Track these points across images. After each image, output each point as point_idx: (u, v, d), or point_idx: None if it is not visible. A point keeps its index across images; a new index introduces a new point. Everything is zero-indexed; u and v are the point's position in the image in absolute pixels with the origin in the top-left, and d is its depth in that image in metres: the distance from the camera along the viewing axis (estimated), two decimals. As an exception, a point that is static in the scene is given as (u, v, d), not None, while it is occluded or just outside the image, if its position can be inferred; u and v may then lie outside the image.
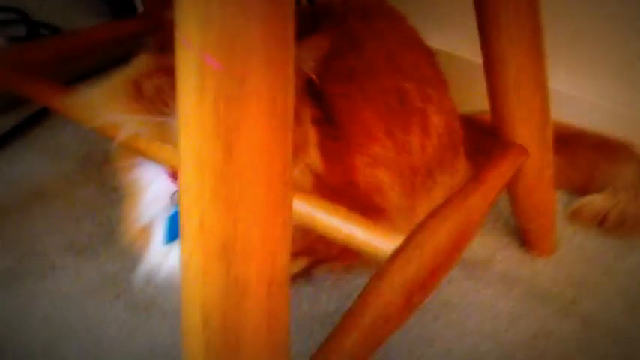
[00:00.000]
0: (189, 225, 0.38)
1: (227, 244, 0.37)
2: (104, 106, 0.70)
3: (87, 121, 0.73)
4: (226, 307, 0.38)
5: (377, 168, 0.80)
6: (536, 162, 0.80)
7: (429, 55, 0.87)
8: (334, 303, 0.81)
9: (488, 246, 0.91)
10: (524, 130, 0.77)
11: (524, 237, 0.90)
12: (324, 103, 0.79)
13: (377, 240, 0.63)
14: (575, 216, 0.95)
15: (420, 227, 0.65)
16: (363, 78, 0.81)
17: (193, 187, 0.37)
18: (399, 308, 0.58)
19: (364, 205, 0.79)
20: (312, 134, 0.74)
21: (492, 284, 0.85)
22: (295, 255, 0.79)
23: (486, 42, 0.72)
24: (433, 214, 0.67)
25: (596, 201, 0.94)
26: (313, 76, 0.73)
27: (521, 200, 0.85)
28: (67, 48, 0.87)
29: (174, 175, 0.74)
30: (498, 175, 0.73)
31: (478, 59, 0.84)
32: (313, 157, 0.73)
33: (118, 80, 0.70)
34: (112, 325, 0.75)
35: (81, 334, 0.74)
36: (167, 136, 0.67)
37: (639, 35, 0.96)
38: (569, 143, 1.00)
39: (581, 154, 1.00)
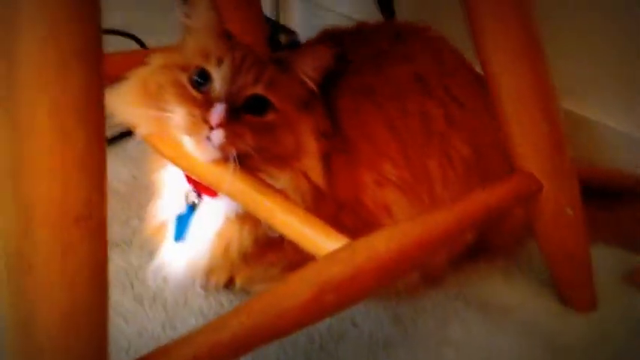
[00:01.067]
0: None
1: (16, 166, 0.40)
2: (121, 103, 0.77)
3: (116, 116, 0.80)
4: (17, 231, 0.41)
5: (386, 187, 0.79)
6: (551, 196, 0.73)
7: (472, 80, 0.84)
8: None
9: (520, 292, 0.84)
10: (531, 157, 0.72)
11: (556, 287, 0.82)
12: (335, 117, 0.79)
13: (321, 240, 0.63)
14: (630, 277, 0.84)
15: (370, 235, 0.63)
16: (382, 97, 0.81)
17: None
18: (303, 302, 0.56)
19: (369, 223, 0.78)
20: (312, 144, 0.74)
21: (509, 331, 0.78)
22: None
23: (482, 61, 0.69)
24: (390, 225, 0.65)
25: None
26: (313, 85, 0.75)
27: (543, 241, 0.78)
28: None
29: (189, 176, 0.79)
30: (482, 199, 0.69)
31: None
32: (311, 167, 0.74)
33: (133, 79, 0.77)
34: (117, 312, 0.80)
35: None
36: (165, 129, 0.71)
37: None
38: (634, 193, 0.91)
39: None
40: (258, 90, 0.70)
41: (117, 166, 1.06)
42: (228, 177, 0.67)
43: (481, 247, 0.88)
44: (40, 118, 0.40)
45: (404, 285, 0.81)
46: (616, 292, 0.83)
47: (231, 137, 0.66)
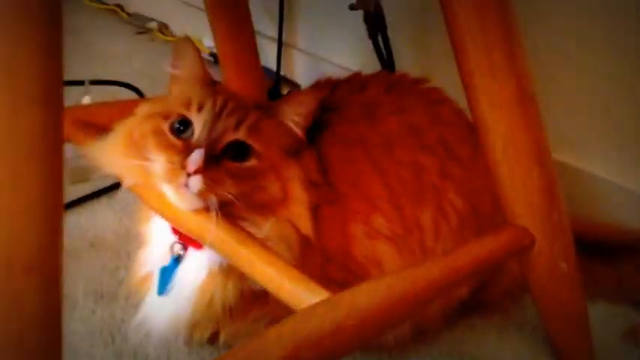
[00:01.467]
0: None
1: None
2: (106, 154, 0.76)
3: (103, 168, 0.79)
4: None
5: (377, 240, 0.77)
6: (544, 249, 0.71)
7: (468, 132, 0.83)
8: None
9: (514, 350, 0.82)
10: (523, 211, 0.70)
11: (552, 344, 0.78)
12: (324, 167, 0.78)
13: (301, 293, 0.61)
14: (630, 333, 0.81)
15: (352, 289, 0.60)
16: (374, 147, 0.79)
17: None
18: (277, 359, 0.53)
19: (358, 276, 0.76)
20: (299, 192, 0.72)
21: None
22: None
23: (474, 116, 0.68)
24: (374, 279, 0.63)
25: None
26: (299, 132, 0.73)
27: (537, 296, 0.76)
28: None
29: (175, 228, 0.77)
30: (472, 253, 0.66)
31: (562, 157, 0.78)
32: (298, 215, 0.72)
33: (119, 129, 0.76)
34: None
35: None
36: (148, 178, 0.70)
37: None
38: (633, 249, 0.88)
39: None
40: (239, 136, 0.68)
41: (108, 216, 1.05)
42: (211, 227, 0.65)
43: (477, 302, 0.85)
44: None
45: (395, 340, 0.78)
46: (616, 351, 0.80)
47: (209, 184, 0.64)
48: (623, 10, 0.91)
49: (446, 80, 0.81)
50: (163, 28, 1.87)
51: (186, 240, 0.75)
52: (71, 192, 1.09)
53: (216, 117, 0.68)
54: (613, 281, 0.88)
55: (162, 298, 0.77)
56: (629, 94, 0.93)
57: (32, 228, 0.39)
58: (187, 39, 0.77)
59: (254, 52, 1.10)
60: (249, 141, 0.68)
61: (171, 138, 0.68)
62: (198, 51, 0.76)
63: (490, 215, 0.80)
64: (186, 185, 0.64)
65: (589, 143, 1.00)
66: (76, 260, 0.95)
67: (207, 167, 0.64)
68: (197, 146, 0.65)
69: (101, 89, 1.37)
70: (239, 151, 0.68)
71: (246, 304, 0.75)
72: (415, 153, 0.80)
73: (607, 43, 0.94)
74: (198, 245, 0.74)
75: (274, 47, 1.48)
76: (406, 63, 1.21)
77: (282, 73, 1.51)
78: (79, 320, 0.84)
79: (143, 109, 0.76)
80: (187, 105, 0.70)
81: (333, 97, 0.83)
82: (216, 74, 1.06)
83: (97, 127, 0.84)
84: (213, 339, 0.80)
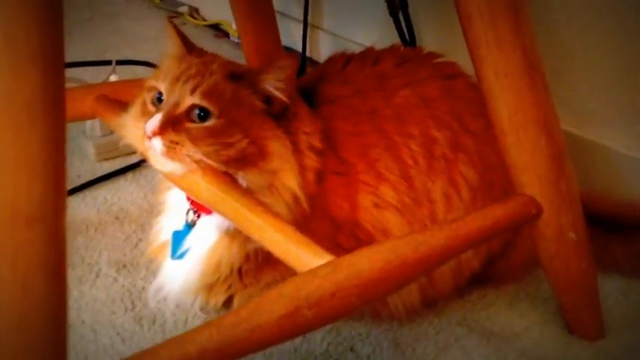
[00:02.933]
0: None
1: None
2: (123, 127, 0.80)
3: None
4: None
5: (386, 210, 0.78)
6: (552, 220, 0.71)
7: (480, 105, 0.83)
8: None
9: (525, 319, 0.82)
10: (530, 180, 0.70)
11: (562, 314, 0.79)
12: (332, 139, 0.79)
13: (306, 256, 0.63)
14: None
15: (354, 253, 0.62)
16: (385, 120, 0.80)
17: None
18: (278, 317, 0.55)
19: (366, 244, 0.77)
20: (277, 148, 0.74)
21: (509, 358, 0.75)
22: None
23: (478, 78, 0.69)
24: (376, 244, 0.64)
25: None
26: (282, 96, 0.75)
27: (547, 267, 0.76)
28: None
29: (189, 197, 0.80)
30: (476, 221, 0.67)
31: (582, 132, 0.81)
32: (282, 169, 0.74)
33: (136, 103, 0.79)
34: (116, 332, 0.81)
35: (87, 332, 0.81)
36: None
37: None
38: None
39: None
40: (195, 100, 0.72)
41: (133, 191, 1.08)
42: (201, 182, 0.71)
43: (490, 275, 0.86)
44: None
45: (404, 308, 0.79)
46: (626, 321, 0.80)
47: (169, 145, 0.70)
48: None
49: (467, 57, 0.82)
50: (194, 12, 1.90)
51: (199, 207, 0.78)
52: (98, 168, 1.13)
53: (173, 82, 0.73)
54: (629, 256, 0.88)
55: (176, 264, 0.81)
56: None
57: (35, 182, 0.42)
58: (170, 21, 0.83)
59: (275, 33, 1.12)
60: (204, 104, 0.72)
61: (150, 107, 0.75)
62: (177, 31, 0.81)
63: (503, 188, 0.80)
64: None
65: (610, 119, 0.99)
66: (102, 232, 0.98)
67: (164, 130, 0.70)
68: (158, 112, 0.71)
69: (130, 69, 1.41)
70: (202, 113, 0.72)
71: (257, 268, 0.78)
72: (426, 125, 0.81)
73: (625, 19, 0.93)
74: (208, 211, 0.78)
75: (300, 29, 1.50)
76: (428, 40, 1.21)
77: (307, 54, 1.53)
78: (101, 287, 0.87)
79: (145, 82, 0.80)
80: (158, 77, 0.75)
81: (345, 70, 0.85)
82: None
83: (122, 104, 0.87)
84: (227, 304, 0.82)
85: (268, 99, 0.75)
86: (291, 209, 0.74)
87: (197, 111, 0.72)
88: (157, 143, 0.70)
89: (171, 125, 0.70)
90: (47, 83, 0.42)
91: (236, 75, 0.75)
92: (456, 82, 0.85)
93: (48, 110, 0.42)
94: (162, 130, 0.70)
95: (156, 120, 0.70)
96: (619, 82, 0.97)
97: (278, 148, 0.74)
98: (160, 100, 0.74)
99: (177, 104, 0.72)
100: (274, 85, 0.75)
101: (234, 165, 0.72)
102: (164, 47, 0.82)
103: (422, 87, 0.83)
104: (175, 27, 0.81)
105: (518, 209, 0.70)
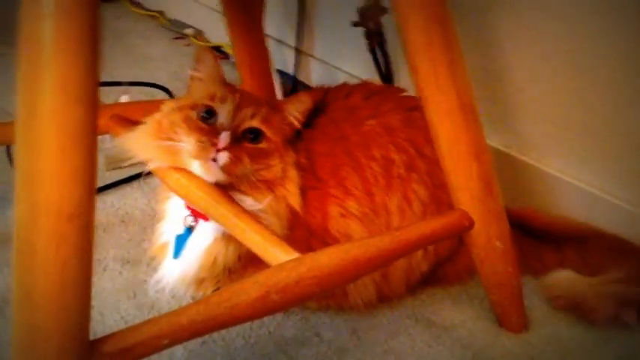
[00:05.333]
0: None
1: (29, 175, 0.57)
2: (138, 141, 0.94)
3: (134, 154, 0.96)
4: (27, 222, 0.58)
5: (350, 219, 0.93)
6: (482, 230, 0.87)
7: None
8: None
9: (463, 314, 0.98)
10: (464, 197, 0.86)
11: (493, 310, 0.94)
12: (311, 159, 0.95)
13: (278, 253, 0.78)
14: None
15: (317, 251, 0.78)
16: (353, 144, 0.96)
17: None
18: (253, 299, 0.71)
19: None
20: (293, 173, 0.91)
21: (446, 344, 0.92)
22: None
23: (429, 123, 0.84)
24: (335, 245, 0.80)
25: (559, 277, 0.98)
26: (297, 124, 0.92)
27: (479, 270, 0.91)
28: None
29: (188, 205, 0.95)
30: (418, 230, 0.83)
31: (526, 158, 0.99)
32: (292, 192, 0.90)
33: (149, 121, 0.94)
34: (120, 316, 0.96)
35: (95, 315, 0.96)
36: (176, 158, 0.87)
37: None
38: (585, 241, 1.03)
39: (594, 252, 1.02)
40: (255, 123, 0.87)
41: (138, 197, 1.23)
42: (197, 193, 0.85)
43: (440, 277, 1.02)
44: (47, 140, 0.56)
45: (363, 302, 0.95)
46: (547, 317, 0.96)
47: (233, 159, 0.83)
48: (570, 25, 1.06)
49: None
50: (198, 34, 2.05)
51: (197, 214, 0.93)
52: (107, 177, 1.28)
53: (237, 108, 0.87)
54: (557, 263, 1.03)
55: (175, 261, 0.95)
56: (580, 106, 1.08)
57: (76, 187, 0.57)
58: (208, 48, 0.96)
59: (266, 59, 1.28)
60: (262, 128, 0.87)
61: (200, 123, 0.86)
62: (216, 57, 0.94)
63: (450, 203, 0.96)
64: (214, 160, 0.82)
65: (548, 147, 1.15)
66: (109, 233, 1.13)
67: (232, 146, 0.83)
68: (223, 129, 0.84)
69: (139, 90, 1.57)
70: (254, 136, 0.87)
71: (243, 267, 0.93)
72: (387, 150, 0.96)
73: (564, 58, 1.09)
74: (206, 217, 0.92)
75: (292, 54, 1.66)
76: (405, 75, 1.36)
77: (298, 78, 1.69)
78: (108, 279, 1.02)
79: (169, 104, 0.94)
80: (212, 98, 0.88)
81: (323, 101, 1.01)
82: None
83: (133, 122, 1.02)
84: (215, 294, 0.97)
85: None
86: (285, 226, 0.89)
87: (250, 134, 0.86)
88: (224, 156, 0.82)
89: (236, 143, 0.84)
90: (87, 117, 0.57)
91: (270, 105, 0.91)
92: (415, 114, 0.99)
93: (86, 135, 0.58)
94: (231, 145, 0.82)
95: (226, 136, 0.82)
96: (557, 116, 1.13)
97: (294, 173, 0.90)
98: (206, 118, 0.86)
99: (238, 125, 0.86)
100: (294, 115, 0.92)
101: (260, 188, 0.87)
102: (196, 70, 0.94)
103: (386, 117, 0.98)
104: (213, 52, 0.94)
105: (453, 221, 0.86)
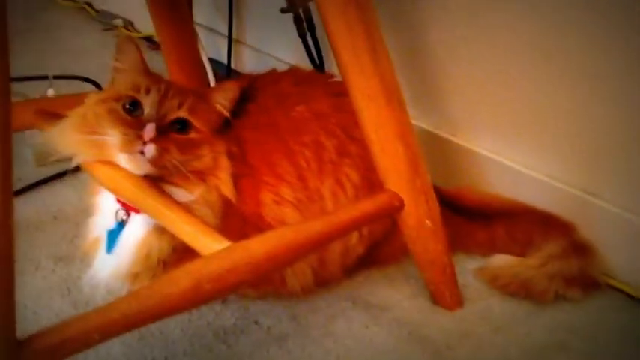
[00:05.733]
0: None
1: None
2: (63, 136, 0.92)
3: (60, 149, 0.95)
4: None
5: (284, 205, 0.93)
6: (412, 210, 0.88)
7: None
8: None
9: (400, 294, 0.99)
10: (392, 178, 0.87)
11: (428, 288, 0.96)
12: (242, 148, 0.95)
13: (210, 242, 0.77)
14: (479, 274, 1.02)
15: (249, 239, 0.78)
16: (283, 131, 0.96)
17: None
18: (183, 289, 0.70)
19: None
20: (225, 162, 0.90)
21: (383, 324, 0.93)
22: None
23: (350, 98, 0.85)
24: (267, 232, 0.80)
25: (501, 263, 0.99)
26: (225, 113, 0.91)
27: (411, 249, 0.93)
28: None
29: (119, 199, 0.94)
30: (349, 213, 0.84)
31: (456, 139, 0.95)
32: (224, 181, 0.89)
33: (73, 115, 0.92)
34: (55, 314, 0.95)
35: (29, 314, 0.94)
36: (103, 151, 0.85)
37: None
38: (514, 217, 1.06)
39: (522, 227, 1.05)
40: (181, 114, 0.86)
41: (69, 194, 1.21)
42: (126, 185, 0.84)
43: (375, 258, 1.03)
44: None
45: (300, 287, 0.95)
46: (481, 294, 0.98)
47: (160, 151, 0.81)
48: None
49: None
50: (129, 25, 2.02)
51: (128, 207, 0.92)
52: (38, 173, 1.26)
53: (163, 98, 0.85)
54: (487, 240, 1.06)
55: (109, 256, 0.94)
56: (503, 85, 1.11)
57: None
58: (129, 37, 0.94)
59: (194, 48, 1.27)
60: (190, 118, 0.86)
61: (125, 115, 0.84)
62: (138, 47, 0.92)
63: (382, 185, 0.97)
64: (141, 152, 0.81)
65: (475, 127, 1.18)
66: (41, 231, 1.11)
67: (158, 137, 0.81)
68: (148, 121, 0.82)
69: (67, 83, 1.53)
70: (181, 126, 0.86)
71: (178, 257, 0.92)
72: (317, 135, 0.96)
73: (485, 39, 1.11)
74: (137, 210, 0.91)
75: (226, 43, 1.65)
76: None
77: (232, 66, 1.68)
78: (40, 278, 1.01)
79: (93, 97, 0.91)
80: (136, 89, 0.86)
81: (252, 89, 1.00)
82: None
83: (58, 116, 1.00)
84: (151, 288, 0.97)
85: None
86: (218, 215, 0.88)
87: (178, 124, 0.85)
88: (151, 148, 0.80)
89: (162, 134, 0.82)
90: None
91: (197, 94, 0.90)
92: (345, 98, 0.99)
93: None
94: (157, 137, 0.80)
95: (151, 128, 0.81)
96: (486, 96, 1.15)
97: (225, 162, 0.89)
98: (131, 110, 0.84)
99: (164, 116, 0.84)
100: (222, 103, 0.91)
101: (191, 179, 0.84)
102: (118, 60, 0.91)
103: (315, 103, 0.99)
104: (135, 42, 0.92)
105: (383, 203, 0.87)
